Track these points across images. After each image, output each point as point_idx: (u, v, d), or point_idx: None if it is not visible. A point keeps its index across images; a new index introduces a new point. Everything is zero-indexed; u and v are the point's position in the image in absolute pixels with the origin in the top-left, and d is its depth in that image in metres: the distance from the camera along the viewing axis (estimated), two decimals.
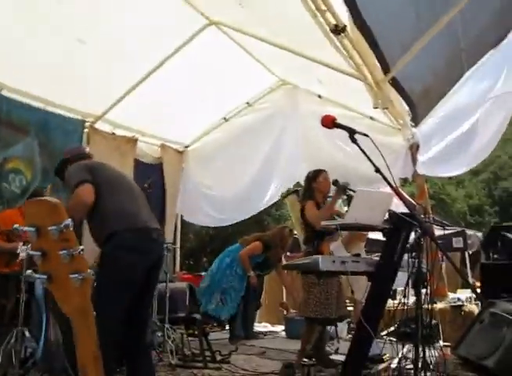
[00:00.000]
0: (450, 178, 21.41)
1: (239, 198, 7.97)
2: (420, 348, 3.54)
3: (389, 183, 2.79)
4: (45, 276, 0.96)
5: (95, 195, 3.15)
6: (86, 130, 6.63)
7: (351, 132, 2.90)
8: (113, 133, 6.95)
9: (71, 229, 0.93)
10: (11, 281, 4.43)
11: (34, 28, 4.98)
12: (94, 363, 0.96)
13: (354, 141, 2.88)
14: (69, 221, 0.93)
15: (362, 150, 2.83)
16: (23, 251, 4.14)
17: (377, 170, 2.80)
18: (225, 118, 7.96)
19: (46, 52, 5.23)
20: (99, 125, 6.75)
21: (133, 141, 7.20)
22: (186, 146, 8.40)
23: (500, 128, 6.37)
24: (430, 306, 4.94)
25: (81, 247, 0.94)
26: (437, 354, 4.47)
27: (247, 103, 7.78)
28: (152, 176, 6.37)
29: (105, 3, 4.99)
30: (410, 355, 4.48)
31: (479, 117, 6.42)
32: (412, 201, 5.61)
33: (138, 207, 3.37)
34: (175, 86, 6.57)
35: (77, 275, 0.94)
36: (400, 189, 3.95)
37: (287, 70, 7.13)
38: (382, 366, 4.31)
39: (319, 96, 7.22)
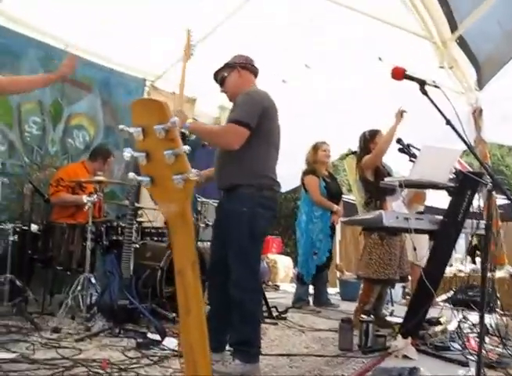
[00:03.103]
0: (510, 149, 20.70)
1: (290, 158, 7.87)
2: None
3: (460, 136, 2.71)
4: (148, 179, 0.96)
5: (246, 143, 2.98)
6: (147, 88, 6.73)
7: (422, 84, 2.83)
8: (174, 92, 6.96)
9: (177, 127, 0.93)
10: (77, 230, 4.58)
11: None
12: (192, 269, 0.97)
13: (424, 93, 2.81)
14: (175, 119, 0.92)
15: (432, 101, 2.74)
16: (88, 201, 4.27)
17: (448, 122, 2.73)
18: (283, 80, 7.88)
19: (111, 11, 5.27)
20: (159, 84, 6.82)
21: (192, 101, 7.23)
22: None
23: None
24: (491, 274, 4.86)
25: (187, 147, 0.93)
26: (496, 321, 4.42)
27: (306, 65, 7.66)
28: None
29: None
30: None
31: None
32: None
33: (275, 164, 3.23)
34: (233, 47, 6.50)
35: (180, 176, 0.94)
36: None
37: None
38: (440, 328, 4.28)
39: (380, 59, 7.05)
